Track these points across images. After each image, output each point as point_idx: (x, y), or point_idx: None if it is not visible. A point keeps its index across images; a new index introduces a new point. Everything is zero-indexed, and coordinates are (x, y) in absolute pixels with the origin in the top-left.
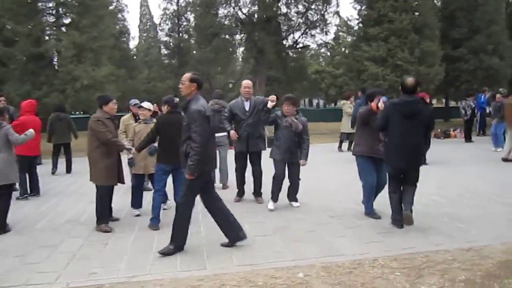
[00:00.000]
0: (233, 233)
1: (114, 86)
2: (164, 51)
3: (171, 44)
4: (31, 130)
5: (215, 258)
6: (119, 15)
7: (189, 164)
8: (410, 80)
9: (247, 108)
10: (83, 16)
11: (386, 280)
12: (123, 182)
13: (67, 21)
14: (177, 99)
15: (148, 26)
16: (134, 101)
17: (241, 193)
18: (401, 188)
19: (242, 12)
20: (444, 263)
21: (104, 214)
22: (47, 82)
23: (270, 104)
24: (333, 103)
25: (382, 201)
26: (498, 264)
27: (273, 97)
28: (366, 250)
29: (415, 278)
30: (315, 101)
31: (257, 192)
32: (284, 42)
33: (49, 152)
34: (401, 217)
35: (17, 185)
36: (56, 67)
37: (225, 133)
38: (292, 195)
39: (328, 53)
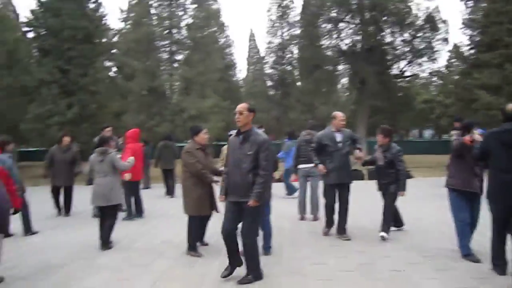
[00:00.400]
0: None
1: (218, 117)
2: (268, 82)
3: (274, 76)
4: (132, 158)
5: None
6: (227, 50)
7: (257, 192)
8: (510, 106)
9: (338, 139)
10: (194, 53)
11: None
12: (217, 211)
13: (179, 57)
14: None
15: (255, 59)
16: (232, 131)
17: (330, 223)
18: (505, 230)
19: (344, 43)
20: None
21: (195, 242)
22: (159, 113)
23: (355, 162)
24: (445, 134)
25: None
26: None
27: (359, 154)
28: None
29: None
30: (428, 132)
31: (342, 229)
32: (390, 71)
33: (156, 177)
34: (502, 262)
35: (124, 207)
36: (168, 100)
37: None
38: (383, 225)
39: (440, 82)
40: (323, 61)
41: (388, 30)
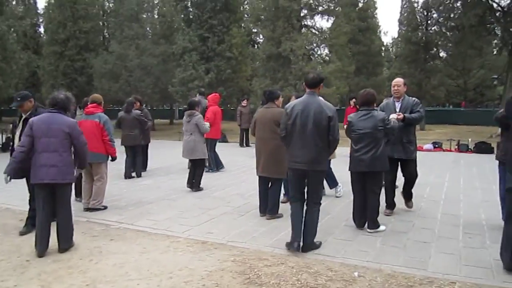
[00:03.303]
0: None
1: (342, 82)
2: (411, 46)
3: (418, 38)
4: (207, 124)
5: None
6: (368, 12)
7: None
8: None
9: (397, 110)
10: (321, 18)
11: None
12: None
13: (306, 22)
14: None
15: (407, 20)
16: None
17: (392, 206)
18: None
19: (496, 2)
20: None
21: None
22: (283, 78)
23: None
24: None
25: None
26: None
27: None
28: (458, 272)
29: None
30: None
31: (407, 194)
32: None
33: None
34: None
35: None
36: (292, 65)
37: None
38: None
39: None
40: (470, 21)
41: None
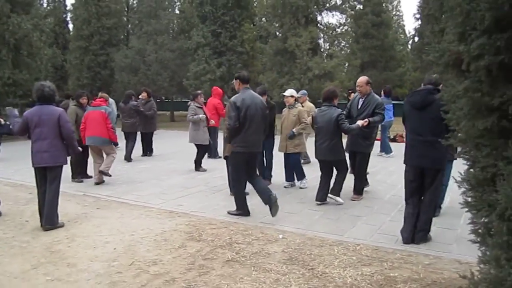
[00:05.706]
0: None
1: (346, 76)
2: (424, 39)
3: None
4: (203, 116)
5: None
6: (383, 6)
7: None
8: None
9: (359, 106)
10: (328, 14)
11: (333, 257)
12: None
13: (314, 17)
14: None
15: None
16: (301, 92)
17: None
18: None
19: None
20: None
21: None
22: (289, 72)
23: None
24: None
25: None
26: None
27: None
28: (368, 238)
29: (361, 265)
30: None
31: (356, 190)
32: None
33: None
34: (408, 234)
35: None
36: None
37: None
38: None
39: None
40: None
41: None
